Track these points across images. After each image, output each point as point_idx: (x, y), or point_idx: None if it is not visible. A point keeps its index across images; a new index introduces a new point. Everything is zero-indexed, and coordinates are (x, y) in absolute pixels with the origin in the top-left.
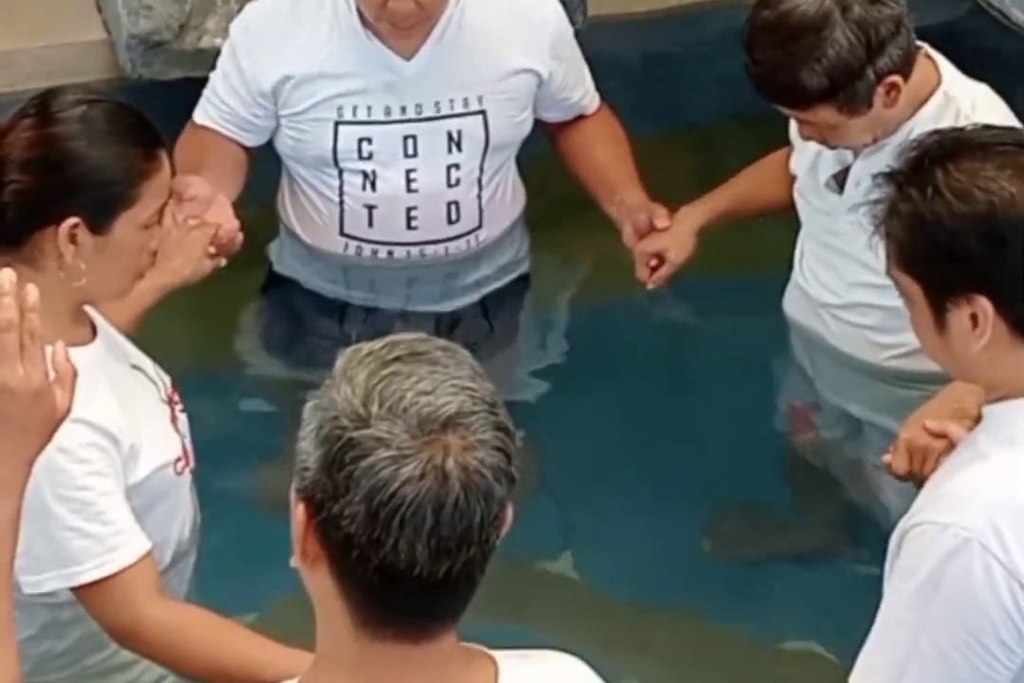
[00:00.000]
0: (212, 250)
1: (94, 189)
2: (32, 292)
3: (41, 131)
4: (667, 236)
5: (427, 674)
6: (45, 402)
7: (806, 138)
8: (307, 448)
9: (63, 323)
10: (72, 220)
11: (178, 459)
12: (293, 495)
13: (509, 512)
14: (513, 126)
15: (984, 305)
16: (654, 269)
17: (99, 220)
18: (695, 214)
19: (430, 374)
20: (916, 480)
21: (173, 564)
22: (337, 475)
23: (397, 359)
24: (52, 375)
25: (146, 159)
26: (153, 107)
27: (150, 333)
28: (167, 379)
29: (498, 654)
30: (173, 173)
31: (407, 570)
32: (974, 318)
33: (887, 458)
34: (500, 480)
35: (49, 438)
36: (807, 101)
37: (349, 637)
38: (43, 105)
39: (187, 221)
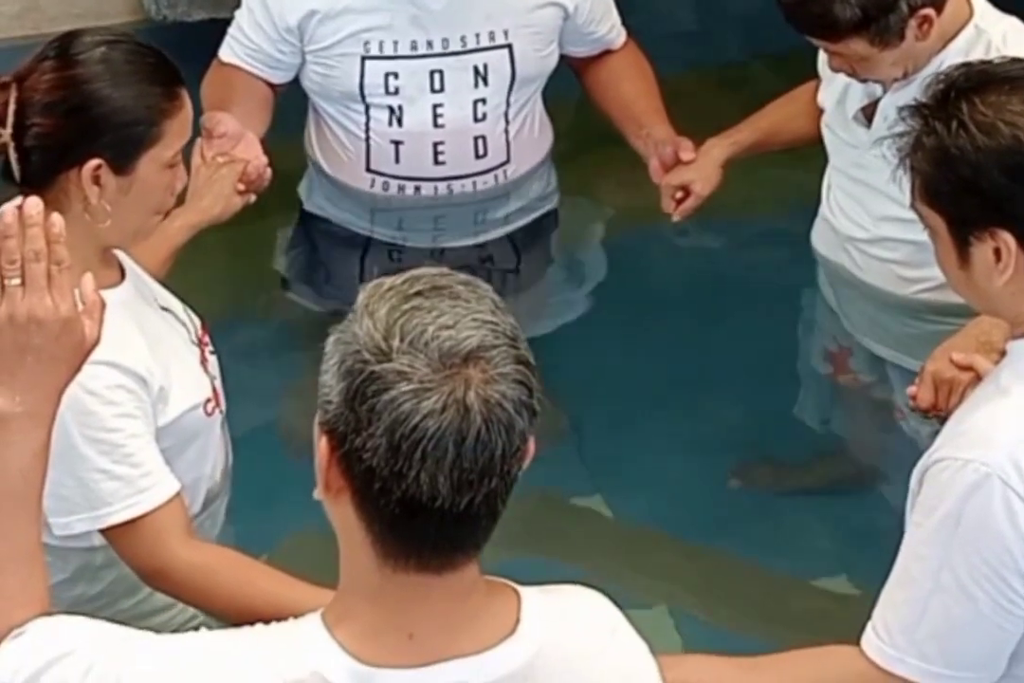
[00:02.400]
0: (241, 187)
1: (116, 130)
2: (57, 222)
3: (62, 74)
4: (692, 169)
5: (449, 604)
6: (74, 331)
7: (836, 70)
8: (329, 381)
9: (91, 266)
10: (95, 161)
11: (208, 400)
12: (316, 428)
13: (531, 445)
14: (539, 60)
15: (1007, 239)
16: (680, 202)
17: (122, 161)
18: (721, 146)
19: (451, 308)
20: (940, 415)
21: (206, 505)
22: (359, 408)
23: (418, 294)
24: (80, 306)
25: (167, 98)
26: (178, 49)
27: (180, 274)
28: (197, 321)
29: (521, 587)
30: (201, 111)
31: (429, 502)
32: (997, 252)
33: (912, 390)
34: (521, 413)
35: (79, 368)
36: (839, 33)
37: (372, 568)
38: (63, 47)
39: (216, 158)
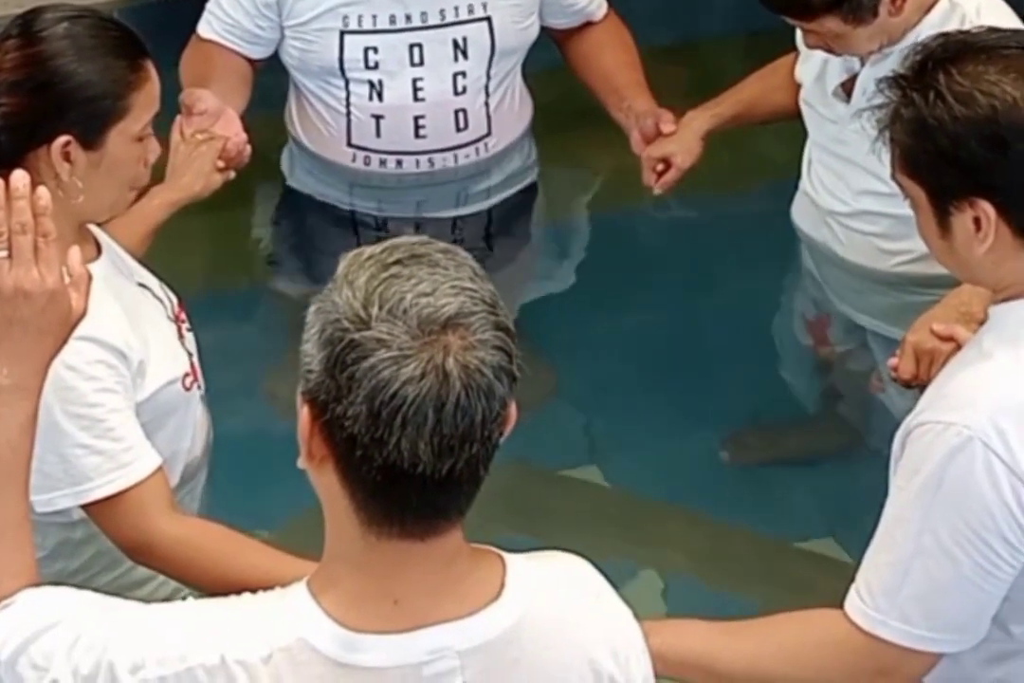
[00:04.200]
0: (221, 164)
1: (83, 105)
2: (44, 195)
3: (26, 51)
4: (673, 141)
5: (433, 570)
6: (60, 303)
7: (811, 47)
8: (310, 350)
9: (67, 242)
10: (64, 138)
11: (186, 374)
12: (299, 397)
13: (512, 410)
14: (519, 32)
15: (986, 209)
16: (660, 174)
17: (91, 136)
18: (701, 119)
19: (430, 276)
20: (921, 385)
21: (185, 480)
22: (339, 376)
23: (397, 262)
24: (67, 279)
25: (132, 70)
26: (165, 26)
27: (163, 250)
28: (174, 298)
29: (506, 554)
30: (180, 88)
31: (410, 468)
32: (977, 222)
33: (893, 361)
34: (501, 379)
35: (65, 340)
36: (812, 12)
37: (356, 536)
38: (25, 25)
39: (195, 135)
